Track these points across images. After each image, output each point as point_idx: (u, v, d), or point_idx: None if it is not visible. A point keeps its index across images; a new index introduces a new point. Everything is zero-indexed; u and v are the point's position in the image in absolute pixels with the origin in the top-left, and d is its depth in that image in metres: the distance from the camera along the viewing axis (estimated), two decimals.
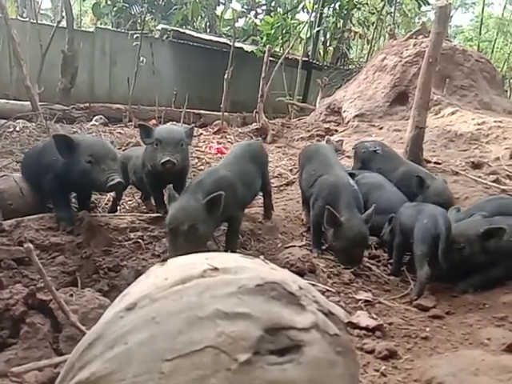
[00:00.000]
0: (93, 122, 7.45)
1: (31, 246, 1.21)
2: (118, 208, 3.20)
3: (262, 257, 1.12)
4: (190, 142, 2.74)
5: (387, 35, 9.83)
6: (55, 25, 8.70)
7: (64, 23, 8.77)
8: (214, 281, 0.92)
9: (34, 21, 9.12)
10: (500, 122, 5.87)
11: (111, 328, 0.89)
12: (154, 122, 8.23)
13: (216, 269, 0.95)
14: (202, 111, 9.38)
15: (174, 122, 8.01)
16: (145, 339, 0.85)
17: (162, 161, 2.43)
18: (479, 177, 4.28)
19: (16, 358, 1.21)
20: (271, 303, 0.92)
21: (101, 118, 7.69)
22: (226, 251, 2.48)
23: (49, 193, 2.45)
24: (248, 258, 1.06)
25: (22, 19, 10.29)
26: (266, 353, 0.86)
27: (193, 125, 2.93)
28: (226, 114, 8.51)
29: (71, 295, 1.39)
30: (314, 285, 2.36)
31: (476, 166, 4.68)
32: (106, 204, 3.23)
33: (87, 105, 8.34)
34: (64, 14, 8.94)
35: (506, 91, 12.40)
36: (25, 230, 2.26)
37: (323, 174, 2.88)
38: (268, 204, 3.11)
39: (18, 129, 5.85)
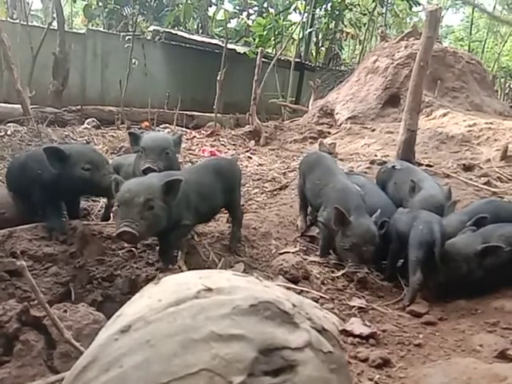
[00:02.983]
0: (85, 125, 7.40)
1: (24, 263, 1.20)
2: (111, 215, 3.18)
3: (255, 274, 1.12)
4: (178, 150, 2.74)
5: (379, 36, 9.88)
6: (46, 26, 8.63)
7: (55, 24, 8.70)
8: (208, 302, 0.92)
9: (25, 22, 9.04)
10: (491, 123, 5.93)
11: (106, 351, 0.90)
12: (146, 123, 8.21)
13: (210, 289, 0.95)
14: (194, 113, 9.36)
15: (167, 125, 8.02)
16: (140, 362, 0.85)
17: (143, 168, 2.44)
18: (470, 179, 4.32)
19: (10, 377, 1.21)
20: (265, 323, 0.93)
21: (93, 121, 7.64)
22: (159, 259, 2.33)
23: (38, 205, 2.42)
24: (241, 276, 1.07)
25: (12, 21, 10.18)
26: (261, 374, 0.87)
27: (181, 133, 2.93)
28: (219, 115, 8.50)
29: (65, 311, 1.39)
30: (308, 292, 2.38)
31: (467, 168, 4.72)
32: (99, 211, 3.21)
33: (79, 107, 8.28)
34: (55, 15, 8.88)
35: (497, 91, 12.52)
36: (17, 241, 2.24)
37: (329, 184, 2.89)
38: (235, 233, 2.74)
39: (9, 132, 5.81)
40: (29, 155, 2.60)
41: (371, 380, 1.67)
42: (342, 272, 2.67)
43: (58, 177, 2.32)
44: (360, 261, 2.59)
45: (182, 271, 2.35)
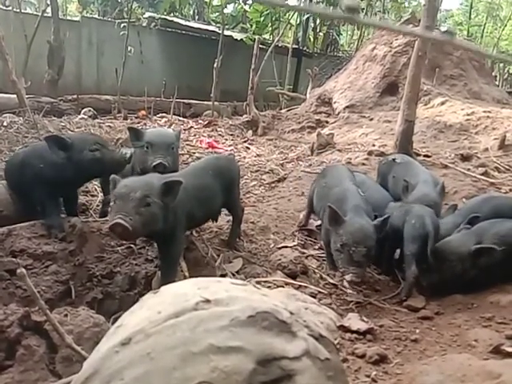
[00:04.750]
0: (81, 114, 7.36)
1: (24, 270, 1.21)
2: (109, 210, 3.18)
3: (253, 281, 1.13)
4: (178, 144, 2.80)
5: None
6: (40, 14, 8.49)
7: (49, 11, 8.57)
8: (207, 314, 0.93)
9: (18, 10, 8.90)
10: (489, 112, 5.93)
11: (107, 363, 0.91)
12: (143, 112, 8.18)
13: (208, 301, 0.96)
14: (192, 101, 9.30)
15: (164, 114, 7.97)
16: (140, 375, 0.87)
17: (154, 164, 2.46)
18: (468, 169, 4.33)
19: (13, 382, 1.22)
20: (263, 334, 0.94)
21: (89, 111, 7.59)
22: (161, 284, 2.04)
23: (39, 201, 2.42)
24: (239, 285, 1.08)
25: (4, 8, 10.02)
26: None
27: (180, 128, 2.94)
28: (216, 103, 8.45)
29: (66, 315, 1.40)
30: (306, 287, 2.40)
31: (465, 158, 4.73)
32: (98, 206, 3.22)
33: (75, 96, 8.23)
34: (48, 2, 8.74)
35: (496, 76, 12.45)
36: (16, 239, 2.25)
37: (333, 188, 2.77)
38: (234, 230, 2.73)
39: (5, 124, 5.76)
40: (27, 152, 2.59)
41: (368, 376, 1.69)
42: (330, 278, 2.60)
43: (63, 166, 2.34)
44: (350, 263, 2.35)
45: (180, 268, 2.38)
